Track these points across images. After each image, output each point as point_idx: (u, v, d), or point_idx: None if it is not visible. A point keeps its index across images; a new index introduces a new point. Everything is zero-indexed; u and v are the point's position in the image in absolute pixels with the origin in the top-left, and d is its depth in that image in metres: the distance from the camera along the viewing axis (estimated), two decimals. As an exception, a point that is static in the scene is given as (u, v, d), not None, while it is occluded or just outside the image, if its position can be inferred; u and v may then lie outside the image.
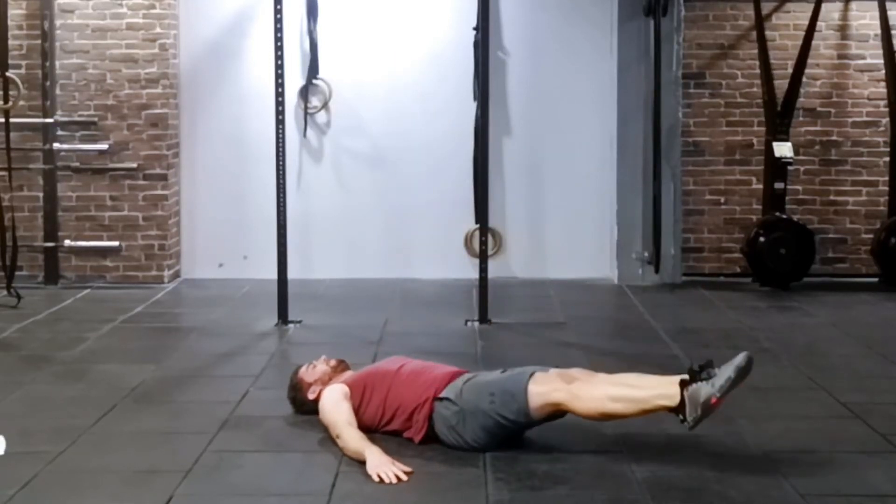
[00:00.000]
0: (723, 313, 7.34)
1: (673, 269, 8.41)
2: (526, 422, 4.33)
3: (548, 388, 4.27)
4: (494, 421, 4.31)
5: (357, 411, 4.50)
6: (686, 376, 4.13)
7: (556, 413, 4.31)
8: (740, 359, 4.13)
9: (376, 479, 4.04)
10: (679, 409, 4.11)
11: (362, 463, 4.18)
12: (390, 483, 4.02)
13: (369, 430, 4.44)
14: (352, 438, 4.31)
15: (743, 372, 4.11)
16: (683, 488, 3.98)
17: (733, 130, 8.59)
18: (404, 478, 4.06)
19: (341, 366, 4.83)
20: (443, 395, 4.43)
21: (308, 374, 4.80)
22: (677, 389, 4.12)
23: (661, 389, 4.17)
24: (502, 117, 8.48)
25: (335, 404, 4.49)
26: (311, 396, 4.72)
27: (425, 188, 8.60)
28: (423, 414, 4.44)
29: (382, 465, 4.10)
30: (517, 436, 4.40)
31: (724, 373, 4.10)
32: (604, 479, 4.08)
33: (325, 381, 4.72)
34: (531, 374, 4.33)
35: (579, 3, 8.59)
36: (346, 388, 4.57)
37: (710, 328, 6.86)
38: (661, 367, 5.77)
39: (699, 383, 4.09)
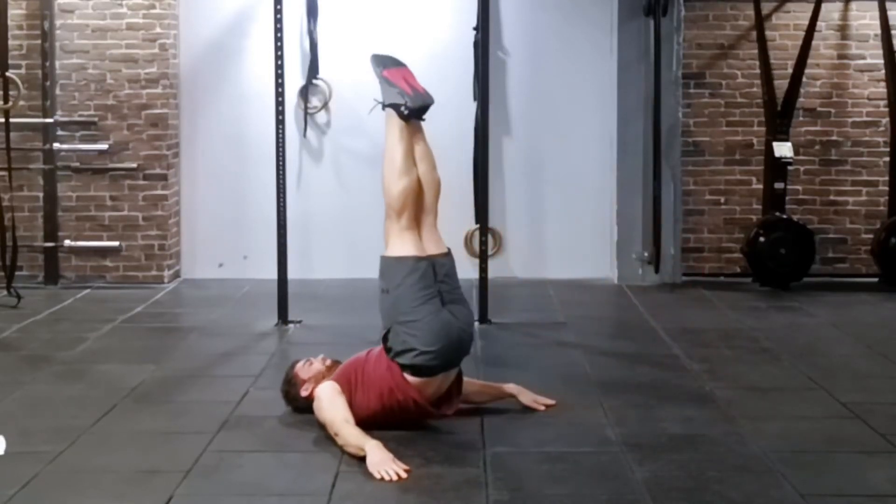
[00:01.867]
0: (723, 313, 7.34)
1: (673, 269, 8.41)
2: (410, 260, 4.54)
3: (388, 234, 4.73)
4: (399, 298, 4.49)
5: (350, 404, 4.51)
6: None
7: (411, 205, 4.71)
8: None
9: (377, 477, 4.05)
10: (397, 111, 4.66)
11: (362, 459, 4.18)
12: (390, 481, 4.02)
13: (365, 420, 4.45)
14: (351, 435, 4.32)
15: (375, 57, 4.82)
16: (683, 488, 3.98)
17: (733, 130, 8.59)
18: (404, 476, 4.06)
19: (335, 366, 4.84)
20: (382, 334, 4.59)
21: (303, 370, 4.82)
22: (394, 114, 4.72)
23: (388, 127, 4.74)
24: (502, 117, 8.48)
25: (330, 401, 4.50)
26: (303, 394, 4.74)
27: (425, 188, 8.58)
28: (395, 377, 4.49)
29: (383, 463, 4.10)
30: (433, 293, 4.51)
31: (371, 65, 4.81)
32: (604, 479, 4.08)
33: (319, 379, 4.73)
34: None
35: (579, 3, 8.59)
36: (336, 385, 4.59)
37: (710, 328, 6.86)
38: (660, 366, 5.80)
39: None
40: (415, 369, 4.48)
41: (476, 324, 6.89)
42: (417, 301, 4.49)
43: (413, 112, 4.65)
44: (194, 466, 4.22)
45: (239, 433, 4.67)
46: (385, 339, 4.57)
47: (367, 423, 4.44)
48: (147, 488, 3.99)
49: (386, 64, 4.80)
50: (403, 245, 4.61)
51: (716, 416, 4.87)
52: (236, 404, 5.08)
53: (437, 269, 4.58)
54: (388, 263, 4.64)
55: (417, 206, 4.66)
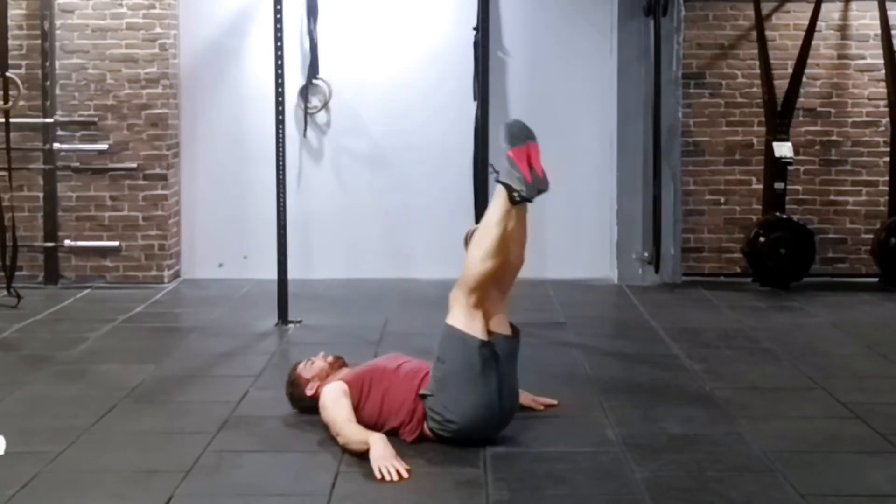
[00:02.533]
0: (723, 313, 7.34)
1: (673, 269, 8.41)
2: (476, 342, 4.36)
3: (456, 297, 4.43)
4: (453, 373, 4.34)
5: (356, 408, 4.50)
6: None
7: (484, 300, 4.43)
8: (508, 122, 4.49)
9: (378, 474, 4.04)
10: (510, 192, 4.36)
11: (366, 460, 4.16)
12: (391, 480, 4.02)
13: (367, 427, 4.42)
14: (353, 433, 4.32)
15: (510, 126, 4.45)
16: (683, 488, 3.98)
17: (733, 130, 8.59)
18: (405, 475, 4.06)
19: (338, 362, 4.84)
20: (423, 391, 4.45)
21: (306, 370, 4.81)
22: (504, 194, 4.37)
23: (495, 204, 4.43)
24: (502, 117, 8.44)
25: (335, 401, 4.49)
26: (308, 392, 4.73)
27: (425, 188, 8.60)
28: (417, 415, 4.45)
29: (385, 459, 4.10)
30: (488, 376, 4.37)
31: (499, 136, 4.46)
32: (604, 479, 4.08)
33: (323, 377, 4.73)
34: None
35: (579, 3, 8.59)
36: (344, 386, 4.57)
37: (710, 328, 6.86)
38: (661, 366, 5.80)
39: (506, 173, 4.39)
40: (436, 429, 4.43)
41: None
42: (469, 385, 4.36)
43: (524, 200, 4.42)
44: (194, 466, 4.22)
45: (239, 433, 4.67)
46: (424, 396, 4.45)
47: (368, 428, 4.43)
48: (147, 488, 3.99)
49: (514, 140, 4.42)
50: (471, 323, 4.41)
51: (716, 416, 4.87)
52: (236, 404, 5.08)
53: (497, 352, 4.44)
54: (452, 335, 4.41)
55: (495, 285, 4.51)
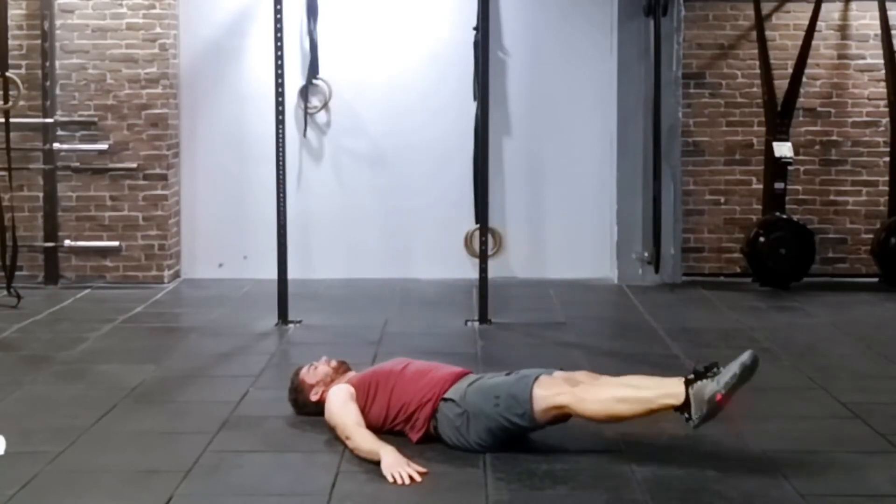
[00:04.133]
0: (723, 313, 7.34)
1: (673, 269, 8.41)
2: (531, 426, 4.33)
3: (552, 391, 4.27)
4: (499, 424, 4.31)
5: (362, 411, 4.48)
6: (691, 375, 4.13)
7: (561, 417, 4.31)
8: (746, 356, 4.14)
9: (391, 480, 4.03)
10: (684, 407, 4.10)
11: (368, 462, 4.17)
12: (404, 484, 4.01)
13: (374, 429, 4.42)
14: (364, 440, 4.30)
15: (748, 370, 4.11)
16: (683, 488, 3.98)
17: (733, 130, 8.59)
18: (418, 479, 4.05)
19: (342, 367, 4.82)
20: (447, 395, 4.43)
21: (309, 375, 4.79)
22: (682, 388, 4.11)
23: (666, 389, 4.17)
24: (502, 117, 8.48)
25: (342, 405, 4.48)
26: (313, 398, 4.71)
27: (425, 188, 8.60)
28: (423, 414, 4.44)
29: (397, 466, 4.09)
30: (521, 438, 4.39)
31: (730, 370, 4.10)
32: (604, 479, 4.08)
33: (328, 382, 4.71)
34: (536, 378, 4.32)
35: (579, 3, 8.59)
36: (351, 389, 4.56)
37: (710, 328, 6.86)
38: (661, 367, 5.79)
39: (704, 381, 4.09)
40: (441, 433, 4.42)
41: (476, 324, 6.90)
42: (489, 433, 4.33)
43: (688, 421, 4.17)
44: (194, 466, 4.22)
45: (239, 433, 4.67)
46: (450, 398, 4.42)
47: (375, 431, 4.41)
48: (147, 488, 3.99)
49: (737, 386, 4.13)
50: (544, 408, 4.27)
51: (717, 417, 4.86)
52: (236, 404, 5.08)
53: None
54: (524, 394, 4.28)
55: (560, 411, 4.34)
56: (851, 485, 4.02)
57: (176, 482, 4.04)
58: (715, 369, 4.13)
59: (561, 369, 4.50)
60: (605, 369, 5.72)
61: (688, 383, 4.11)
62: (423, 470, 4.10)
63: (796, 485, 3.99)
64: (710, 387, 4.07)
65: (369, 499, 3.92)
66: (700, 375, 4.12)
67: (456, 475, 4.12)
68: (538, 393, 4.27)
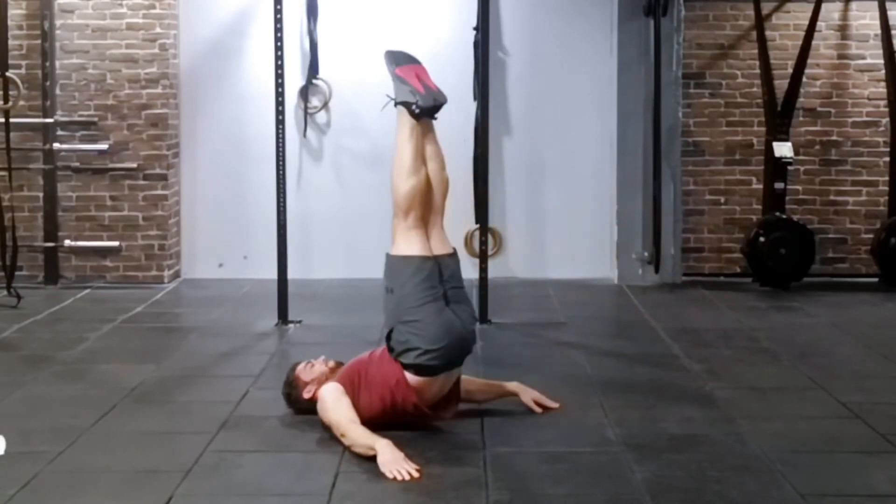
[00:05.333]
0: (723, 313, 7.34)
1: (673, 269, 8.41)
2: (416, 260, 4.52)
3: (395, 232, 4.63)
4: (403, 298, 4.51)
5: (354, 406, 4.49)
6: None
7: (418, 233, 4.56)
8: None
9: (390, 476, 4.04)
10: (408, 110, 4.62)
11: (365, 460, 4.17)
12: (402, 481, 4.01)
13: (369, 421, 4.43)
14: (359, 435, 4.31)
15: (389, 53, 4.78)
16: (683, 488, 3.98)
17: (733, 130, 8.59)
18: (416, 475, 4.05)
19: (338, 368, 4.82)
20: (385, 329, 4.61)
21: (305, 372, 4.80)
22: (405, 112, 4.63)
23: (399, 125, 4.65)
24: (502, 117, 8.48)
25: (335, 402, 4.49)
26: (305, 396, 4.73)
27: (425, 188, 8.58)
28: (400, 383, 4.48)
29: (394, 462, 4.09)
30: (437, 291, 4.51)
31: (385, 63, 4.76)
32: (604, 479, 4.08)
33: (322, 381, 4.72)
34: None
35: (579, 3, 8.59)
36: (340, 386, 4.58)
37: (710, 328, 6.86)
38: (660, 367, 5.80)
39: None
40: (417, 368, 4.48)
41: (476, 323, 6.89)
42: (421, 301, 4.49)
43: (424, 111, 4.63)
44: (194, 466, 4.22)
45: (239, 433, 4.67)
46: (388, 338, 4.56)
47: (371, 423, 4.42)
48: (147, 488, 3.99)
49: (399, 61, 4.76)
50: (409, 244, 4.59)
51: (716, 416, 4.87)
52: (236, 404, 5.08)
53: (442, 270, 4.58)
54: (394, 262, 4.64)
55: (425, 205, 4.63)
56: (851, 485, 4.03)
57: (176, 482, 4.04)
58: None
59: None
60: (605, 369, 5.75)
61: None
62: (417, 467, 4.10)
63: (796, 485, 3.99)
64: (395, 84, 4.70)
65: (369, 499, 3.92)
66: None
67: (456, 475, 4.12)
68: (394, 243, 4.62)
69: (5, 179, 7.76)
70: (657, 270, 8.33)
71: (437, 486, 4.03)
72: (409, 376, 4.48)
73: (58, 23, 8.20)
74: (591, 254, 8.63)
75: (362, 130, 8.59)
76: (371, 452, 4.19)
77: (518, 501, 3.87)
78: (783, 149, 8.19)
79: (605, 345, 6.50)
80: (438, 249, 4.64)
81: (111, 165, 8.29)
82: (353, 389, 4.56)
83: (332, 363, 4.82)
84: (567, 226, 8.66)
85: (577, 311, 7.43)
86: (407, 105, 4.64)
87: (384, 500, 3.92)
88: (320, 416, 4.55)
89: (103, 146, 8.26)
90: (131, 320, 7.09)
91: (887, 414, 4.90)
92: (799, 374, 5.64)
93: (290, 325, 6.85)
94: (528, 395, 4.91)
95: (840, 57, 8.56)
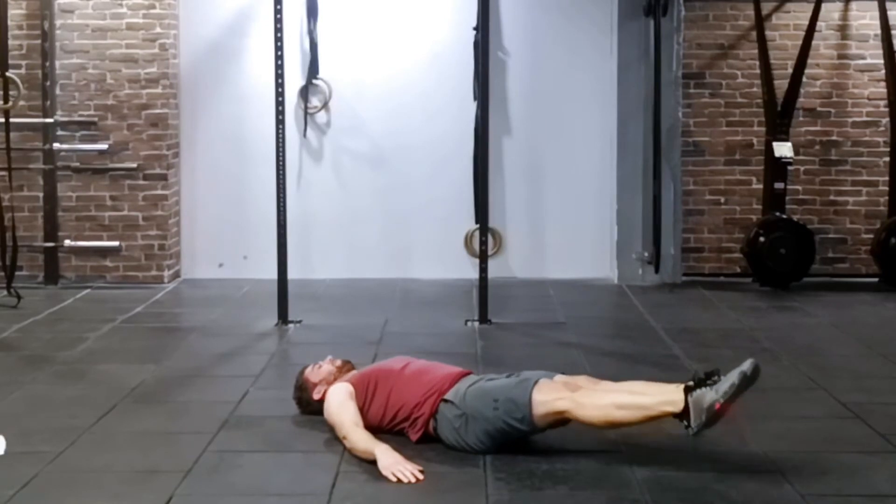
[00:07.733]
0: (723, 313, 7.34)
1: (673, 269, 8.41)
2: (529, 430, 4.31)
3: (552, 396, 4.25)
4: (497, 427, 4.30)
5: (361, 410, 4.48)
6: (691, 382, 4.12)
7: (560, 421, 4.29)
8: (747, 366, 4.11)
9: (393, 479, 4.03)
10: (683, 415, 4.08)
11: (367, 462, 4.17)
12: (409, 482, 4.01)
13: (373, 428, 4.43)
14: (360, 439, 4.30)
15: (748, 380, 4.09)
16: (683, 488, 3.98)
17: (733, 130, 8.59)
18: (420, 476, 4.05)
19: (346, 366, 4.82)
20: (447, 397, 4.42)
21: (313, 374, 4.79)
22: (682, 395, 4.09)
23: (665, 396, 4.15)
24: (502, 117, 8.48)
25: (340, 404, 4.48)
26: (315, 397, 4.72)
27: (425, 188, 8.60)
28: (422, 413, 4.44)
29: (396, 465, 4.09)
30: (520, 440, 4.39)
31: (729, 379, 4.08)
32: (604, 479, 4.08)
33: (331, 381, 4.71)
34: (536, 382, 4.30)
35: (579, 3, 8.59)
36: (350, 388, 4.56)
37: (710, 328, 6.86)
38: (661, 366, 5.80)
39: (703, 389, 4.08)
40: (441, 430, 4.42)
41: (476, 324, 6.90)
42: (488, 436, 4.33)
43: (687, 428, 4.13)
44: (194, 466, 4.22)
45: (239, 433, 4.67)
46: (447, 399, 4.43)
47: (374, 430, 4.41)
48: (147, 488, 3.99)
49: (736, 394, 4.10)
50: (544, 412, 4.25)
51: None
52: (236, 404, 5.08)
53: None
54: (524, 397, 4.26)
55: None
56: (851, 485, 4.02)
57: (176, 482, 4.04)
58: (715, 377, 4.11)
59: (563, 372, 4.50)
60: (606, 369, 5.74)
61: (687, 390, 4.09)
62: (419, 468, 4.10)
63: (796, 485, 3.99)
64: (710, 395, 4.05)
65: (369, 499, 3.92)
66: (700, 383, 4.10)
67: (456, 475, 4.12)
68: (537, 398, 4.25)
69: (5, 179, 7.75)
70: (657, 270, 8.33)
71: (437, 486, 4.03)
72: (432, 422, 4.45)
73: (58, 23, 8.20)
74: (591, 254, 8.63)
75: (362, 130, 8.59)
76: (370, 458, 4.18)
77: (518, 501, 3.87)
78: (783, 149, 8.19)
79: (605, 345, 6.50)
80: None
81: (111, 165, 8.28)
82: (366, 396, 4.54)
83: (339, 362, 4.82)
84: (567, 226, 8.66)
85: (577, 311, 7.42)
86: (685, 418, 4.09)
87: (384, 500, 3.91)
88: (325, 415, 4.55)
89: (103, 146, 8.26)
90: (131, 320, 7.09)
91: (887, 414, 4.90)
92: (799, 374, 5.64)
93: (290, 325, 6.85)
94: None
95: (840, 57, 8.56)
